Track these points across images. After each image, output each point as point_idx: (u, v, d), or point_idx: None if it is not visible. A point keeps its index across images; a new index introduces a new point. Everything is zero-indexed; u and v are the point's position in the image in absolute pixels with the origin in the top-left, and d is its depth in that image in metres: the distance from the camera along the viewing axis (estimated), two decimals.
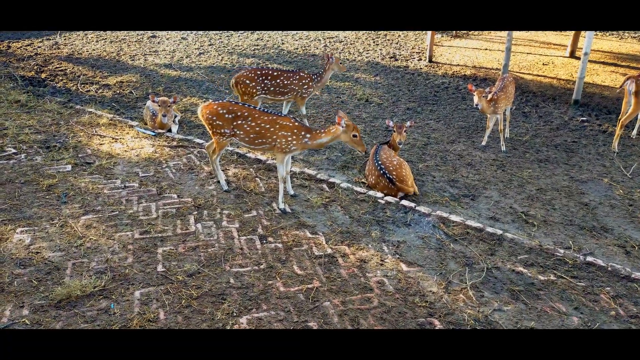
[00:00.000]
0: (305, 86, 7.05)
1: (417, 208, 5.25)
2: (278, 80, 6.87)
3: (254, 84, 6.78)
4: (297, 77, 6.98)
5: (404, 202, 5.34)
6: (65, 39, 11.99)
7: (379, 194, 5.50)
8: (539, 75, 10.25)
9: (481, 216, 5.30)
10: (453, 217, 5.10)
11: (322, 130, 4.99)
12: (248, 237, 4.69)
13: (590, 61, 10.17)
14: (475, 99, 6.42)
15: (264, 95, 6.92)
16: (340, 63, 7.42)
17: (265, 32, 13.29)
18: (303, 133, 4.97)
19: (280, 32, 13.39)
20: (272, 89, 6.88)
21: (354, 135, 4.86)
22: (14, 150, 6.15)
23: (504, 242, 4.75)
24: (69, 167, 5.82)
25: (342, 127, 4.83)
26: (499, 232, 4.88)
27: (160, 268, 4.19)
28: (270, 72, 6.88)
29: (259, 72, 6.83)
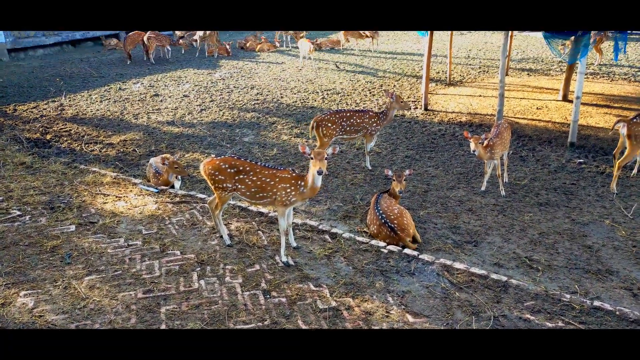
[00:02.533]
0: (374, 124, 7.75)
1: (420, 256, 5.25)
2: (352, 120, 7.63)
3: (334, 126, 7.52)
4: (367, 116, 7.73)
5: (407, 251, 5.34)
6: (70, 100, 12.33)
7: (382, 243, 5.51)
8: (533, 119, 10.45)
9: (485, 262, 5.29)
10: (457, 265, 5.09)
11: (306, 172, 5.04)
12: (252, 292, 4.67)
13: (583, 104, 10.37)
14: (472, 146, 6.53)
15: (341, 136, 7.66)
16: (402, 101, 7.94)
17: (264, 87, 13.67)
18: (299, 182, 5.03)
19: (279, 86, 13.76)
20: (348, 128, 7.60)
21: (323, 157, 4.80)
22: (18, 213, 6.22)
23: (509, 288, 4.72)
24: (72, 228, 5.87)
25: (309, 155, 4.80)
26: (504, 278, 4.86)
27: (163, 328, 4.15)
28: (345, 113, 7.64)
29: (337, 115, 7.60)
